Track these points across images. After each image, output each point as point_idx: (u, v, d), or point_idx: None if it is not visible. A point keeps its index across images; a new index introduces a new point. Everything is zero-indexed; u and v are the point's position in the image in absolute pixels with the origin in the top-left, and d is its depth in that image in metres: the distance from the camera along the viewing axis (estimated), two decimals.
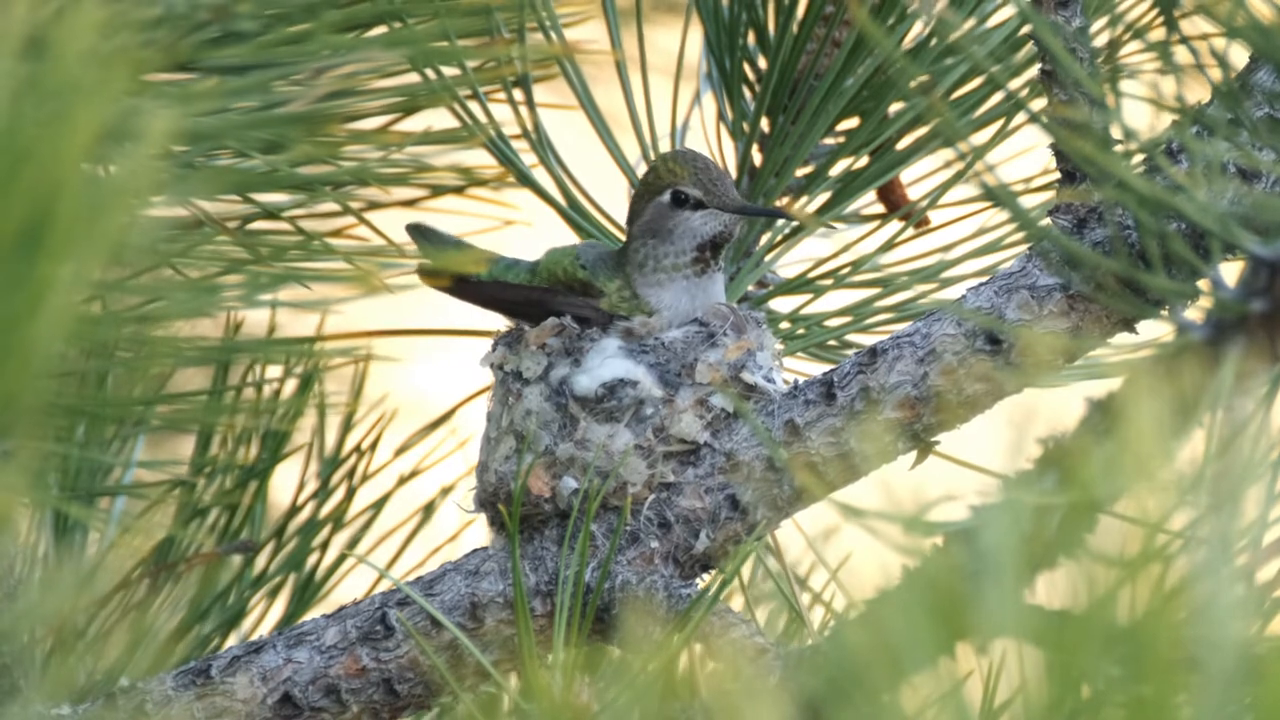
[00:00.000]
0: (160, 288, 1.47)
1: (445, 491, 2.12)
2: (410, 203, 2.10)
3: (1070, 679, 1.21)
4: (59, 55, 1.27)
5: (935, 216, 2.05)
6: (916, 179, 2.08)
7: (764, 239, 2.03)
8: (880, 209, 2.09)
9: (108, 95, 1.27)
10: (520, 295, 1.91)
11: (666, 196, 1.88)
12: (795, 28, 2.03)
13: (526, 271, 1.92)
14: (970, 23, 1.99)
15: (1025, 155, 2.05)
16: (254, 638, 1.99)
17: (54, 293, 1.27)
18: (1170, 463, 1.22)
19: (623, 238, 1.96)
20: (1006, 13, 1.98)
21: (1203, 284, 1.46)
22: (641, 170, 2.03)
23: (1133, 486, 1.21)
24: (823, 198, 2.06)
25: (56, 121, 1.27)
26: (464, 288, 1.90)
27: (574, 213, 2.03)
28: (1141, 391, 1.26)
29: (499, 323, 1.93)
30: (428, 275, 1.85)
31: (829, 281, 2.03)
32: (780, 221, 2.02)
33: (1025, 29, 1.92)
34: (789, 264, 2.04)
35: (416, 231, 1.94)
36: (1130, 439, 1.20)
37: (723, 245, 1.88)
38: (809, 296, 2.03)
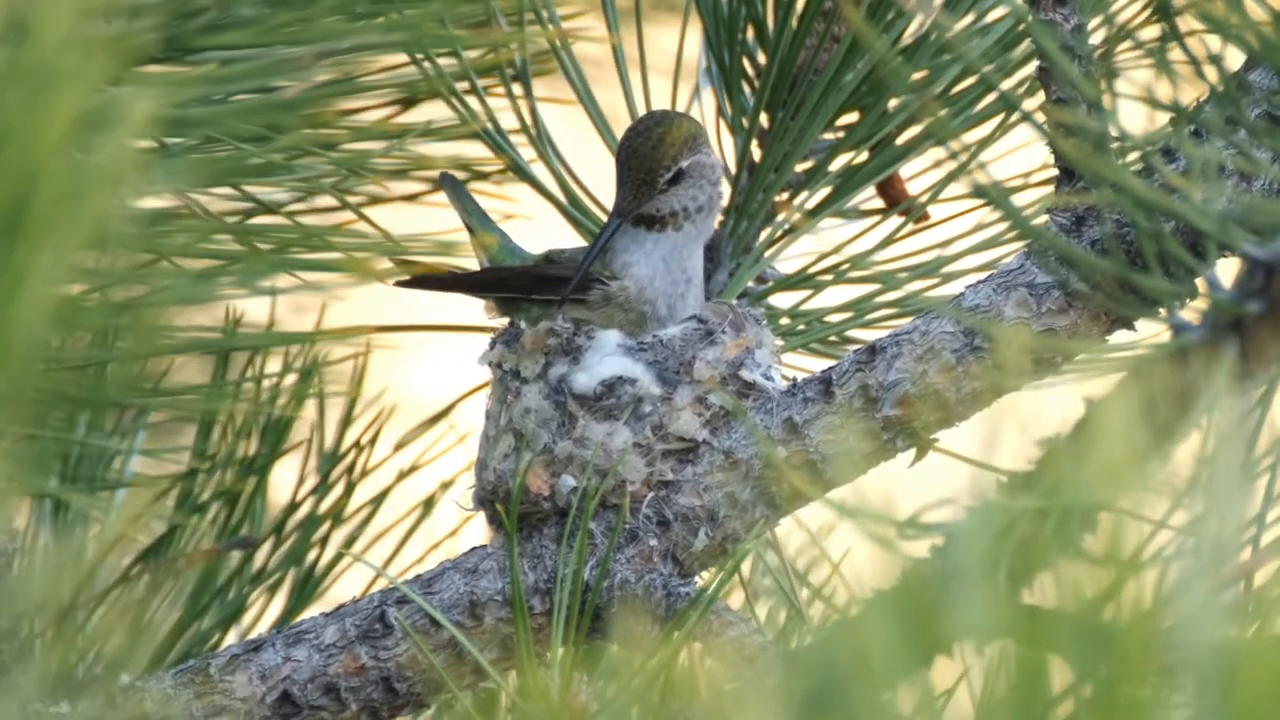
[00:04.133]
0: (155, 274, 1.46)
1: (445, 487, 2.12)
2: (411, 198, 2.10)
3: (1042, 676, 1.20)
4: (38, 39, 1.27)
5: (935, 212, 2.05)
6: (916, 174, 2.07)
7: (764, 234, 2.03)
8: (880, 204, 2.09)
9: (88, 80, 1.26)
10: (503, 273, 1.91)
11: None
12: (794, 23, 2.02)
13: (520, 260, 1.93)
14: (967, 19, 1.98)
15: (1026, 148, 2.04)
16: (253, 635, 1.99)
17: (34, 278, 1.26)
18: (1140, 467, 1.22)
19: None
20: (1005, 8, 1.97)
21: (1199, 284, 1.46)
22: None
23: (1101, 491, 1.21)
24: (823, 193, 2.05)
25: (35, 106, 1.26)
26: (456, 280, 1.90)
27: (573, 208, 2.02)
28: (1115, 396, 1.25)
29: (498, 319, 1.93)
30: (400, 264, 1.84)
31: (829, 277, 2.02)
32: (780, 217, 2.02)
33: (1023, 25, 1.91)
34: (788, 259, 2.04)
35: (449, 183, 1.95)
36: (1098, 443, 1.20)
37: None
38: (809, 292, 2.03)
